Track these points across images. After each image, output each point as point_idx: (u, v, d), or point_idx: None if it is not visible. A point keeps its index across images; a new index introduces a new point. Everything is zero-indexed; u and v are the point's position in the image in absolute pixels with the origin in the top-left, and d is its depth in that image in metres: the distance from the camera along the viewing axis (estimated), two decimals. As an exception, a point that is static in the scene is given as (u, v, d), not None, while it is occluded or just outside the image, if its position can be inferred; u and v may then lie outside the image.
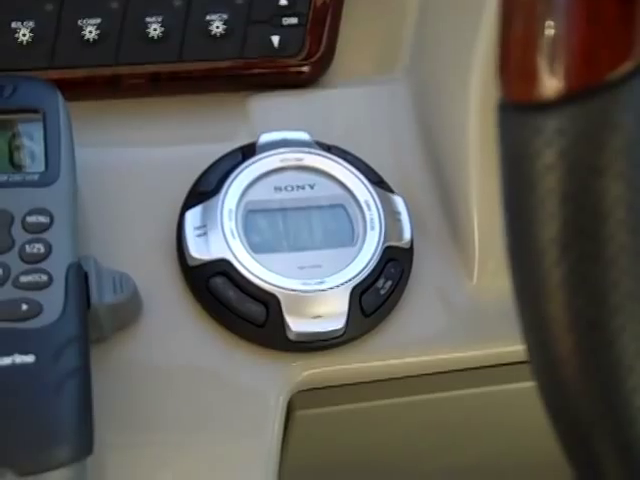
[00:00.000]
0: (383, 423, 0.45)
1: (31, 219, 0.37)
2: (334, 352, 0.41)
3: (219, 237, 0.41)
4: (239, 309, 0.40)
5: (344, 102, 0.48)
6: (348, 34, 0.50)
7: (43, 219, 0.38)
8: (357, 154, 0.45)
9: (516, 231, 0.26)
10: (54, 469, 0.33)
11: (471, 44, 0.43)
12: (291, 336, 0.40)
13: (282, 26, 0.49)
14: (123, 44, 0.47)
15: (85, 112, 0.44)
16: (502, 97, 0.25)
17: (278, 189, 0.43)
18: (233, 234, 0.41)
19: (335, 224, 0.43)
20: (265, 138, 0.45)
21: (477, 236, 0.43)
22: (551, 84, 0.24)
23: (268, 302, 0.40)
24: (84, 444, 0.34)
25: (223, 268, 0.40)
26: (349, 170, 0.44)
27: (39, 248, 0.37)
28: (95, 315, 0.38)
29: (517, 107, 0.24)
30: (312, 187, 0.43)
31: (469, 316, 0.43)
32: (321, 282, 0.40)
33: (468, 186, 0.44)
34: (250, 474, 0.39)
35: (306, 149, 0.44)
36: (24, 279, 0.36)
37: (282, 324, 0.40)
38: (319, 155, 0.44)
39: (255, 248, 0.41)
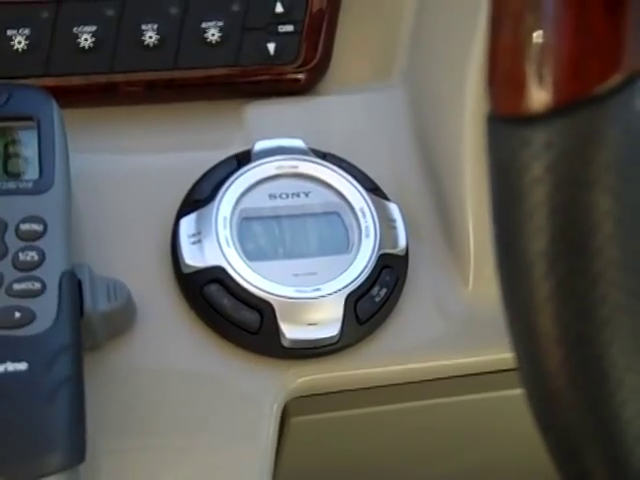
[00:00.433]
0: (378, 430, 0.45)
1: (25, 227, 0.37)
2: (329, 359, 0.41)
3: (214, 244, 0.41)
4: (233, 316, 0.40)
5: (340, 109, 0.48)
6: (344, 41, 0.50)
7: (37, 227, 0.38)
8: (352, 161, 0.45)
9: (505, 243, 0.26)
10: (46, 476, 0.33)
11: (466, 51, 0.44)
12: (285, 343, 0.40)
13: (278, 33, 0.49)
14: (119, 52, 0.47)
15: (80, 119, 0.44)
16: (491, 109, 0.25)
17: (273, 197, 0.43)
18: (228, 242, 0.41)
19: (330, 231, 0.43)
20: (260, 145, 0.45)
21: (472, 243, 0.43)
22: (539, 97, 0.23)
23: (262, 309, 0.40)
24: (76, 451, 0.34)
25: (217, 275, 0.40)
26: (344, 178, 0.44)
27: (33, 256, 0.37)
28: (89, 323, 0.38)
29: (505, 119, 0.24)
30: (307, 195, 0.43)
31: (464, 323, 0.43)
32: (316, 289, 0.40)
33: (464, 193, 0.44)
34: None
35: (301, 157, 0.44)
36: (17, 287, 0.36)
37: (276, 331, 0.40)
38: (314, 163, 0.44)
39: (250, 255, 0.41)
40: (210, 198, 0.42)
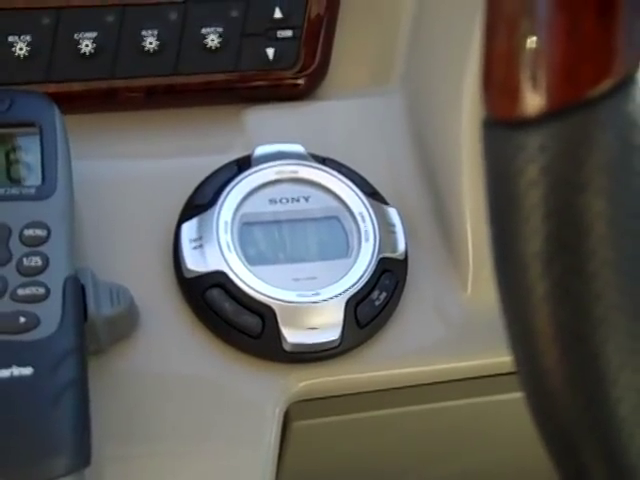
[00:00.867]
0: (379, 433, 0.45)
1: (28, 232, 0.38)
2: (330, 363, 0.41)
3: (215, 249, 0.41)
4: (235, 321, 0.41)
5: (338, 114, 0.49)
6: (342, 46, 0.51)
7: (40, 232, 0.38)
8: (352, 166, 0.46)
9: (501, 245, 0.26)
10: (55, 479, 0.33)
11: (464, 56, 0.44)
12: (287, 347, 0.40)
13: (277, 39, 0.49)
14: (119, 58, 0.48)
15: (81, 125, 0.44)
16: (486, 114, 0.25)
17: (273, 201, 0.43)
18: (229, 246, 0.41)
19: (330, 236, 0.43)
20: (260, 151, 0.45)
21: (471, 247, 0.44)
22: (533, 101, 0.24)
23: (264, 314, 0.40)
24: (82, 455, 0.34)
25: (219, 280, 0.41)
26: (343, 182, 0.44)
27: (36, 261, 0.37)
28: (92, 327, 0.38)
29: (500, 123, 0.25)
30: (307, 199, 0.44)
31: (464, 326, 0.43)
32: (316, 294, 0.41)
33: (461, 197, 0.44)
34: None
35: (301, 162, 0.45)
36: (22, 292, 0.36)
37: (278, 335, 0.40)
38: (314, 167, 0.44)
39: (251, 260, 0.41)
40: (211, 203, 0.43)
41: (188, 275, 0.41)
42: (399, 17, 0.51)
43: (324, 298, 0.41)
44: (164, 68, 0.48)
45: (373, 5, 0.51)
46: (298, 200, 0.44)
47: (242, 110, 0.49)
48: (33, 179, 0.40)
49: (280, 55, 0.49)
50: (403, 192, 0.46)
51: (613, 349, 0.25)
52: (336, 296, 0.41)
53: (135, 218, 0.44)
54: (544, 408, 0.27)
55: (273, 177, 0.44)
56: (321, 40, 0.50)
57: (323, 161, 0.45)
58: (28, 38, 0.47)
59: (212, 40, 0.48)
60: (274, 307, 0.40)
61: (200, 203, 0.43)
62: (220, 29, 0.49)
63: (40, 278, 0.37)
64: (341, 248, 0.43)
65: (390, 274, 0.42)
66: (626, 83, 0.24)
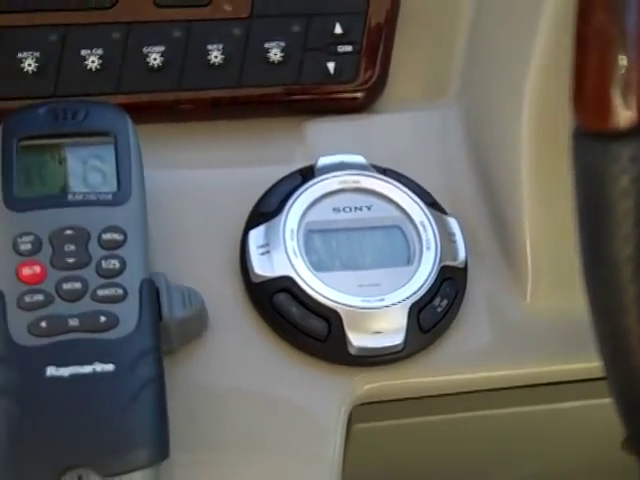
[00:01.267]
0: (437, 437, 0.46)
1: (106, 236, 0.39)
2: (393, 367, 0.42)
3: (282, 255, 0.42)
4: (302, 324, 0.42)
5: (397, 126, 0.50)
6: (399, 60, 0.52)
7: (117, 236, 0.39)
8: (411, 177, 0.47)
9: (592, 250, 0.27)
10: (133, 471, 0.35)
11: (524, 67, 0.45)
12: (352, 351, 0.41)
13: (337, 53, 0.51)
14: (185, 70, 0.49)
15: (149, 135, 0.46)
16: (577, 126, 0.27)
17: (337, 210, 0.45)
18: (295, 253, 0.43)
19: (392, 244, 0.44)
20: (323, 161, 0.46)
21: (530, 255, 0.45)
22: (625, 115, 0.25)
23: (330, 318, 0.41)
24: (161, 448, 0.35)
25: (286, 285, 0.42)
26: (404, 192, 0.45)
27: (114, 264, 0.39)
28: (165, 328, 0.39)
29: (593, 136, 0.26)
30: (369, 208, 0.45)
31: (523, 334, 0.44)
32: (381, 299, 0.42)
33: (521, 207, 0.45)
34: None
35: (363, 172, 0.46)
36: (101, 293, 0.38)
37: (343, 339, 0.41)
38: (375, 178, 0.46)
39: (316, 266, 0.43)
40: (277, 211, 0.44)
41: (255, 280, 0.43)
42: (455, 31, 0.52)
43: (388, 304, 0.42)
44: (228, 81, 0.50)
45: (430, 20, 0.53)
46: (361, 209, 0.45)
47: (303, 122, 0.50)
48: (108, 186, 0.41)
49: (340, 69, 0.51)
50: (462, 202, 0.47)
51: None
52: (400, 302, 0.42)
53: (202, 225, 0.46)
54: (632, 403, 0.28)
55: (336, 187, 0.45)
56: (380, 55, 0.51)
57: (384, 172, 0.46)
58: (100, 52, 0.48)
59: (275, 54, 0.50)
60: (340, 311, 0.41)
61: (266, 211, 0.45)
62: (282, 43, 0.50)
63: (118, 280, 0.38)
64: (403, 256, 0.44)
65: (451, 282, 0.43)
66: None
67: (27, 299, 0.37)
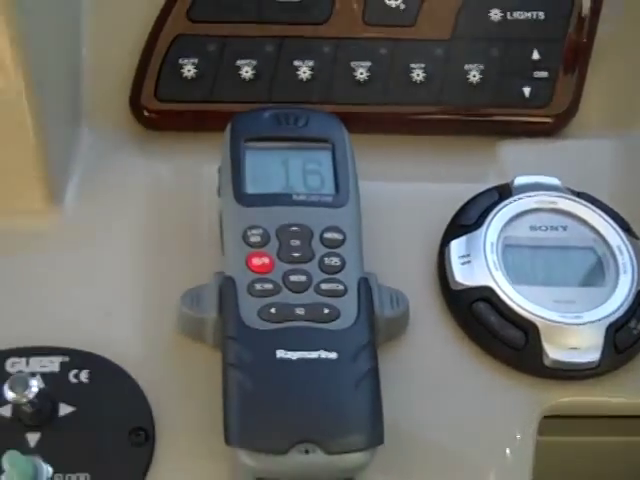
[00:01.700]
0: (620, 459, 0.47)
1: (328, 235, 0.42)
2: (586, 383, 0.43)
3: (482, 266, 0.45)
4: (500, 333, 0.44)
5: (591, 152, 0.52)
6: (592, 87, 0.54)
7: (337, 236, 0.42)
8: (604, 201, 0.48)
9: None
10: (353, 452, 0.37)
11: None
12: (547, 363, 0.43)
13: (533, 78, 0.53)
14: (389, 86, 0.52)
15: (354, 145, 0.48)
16: None
17: (534, 228, 0.47)
18: (495, 265, 0.45)
19: (587, 265, 0.46)
20: (520, 180, 0.48)
21: None
22: None
23: (527, 329, 0.43)
24: (378, 434, 0.38)
25: (486, 294, 0.44)
26: (600, 216, 0.47)
27: (335, 261, 0.41)
28: (376, 325, 0.42)
29: None
30: (565, 229, 0.47)
31: None
32: (578, 317, 0.43)
33: None
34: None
35: (560, 194, 0.48)
36: (324, 287, 0.41)
37: (540, 351, 0.43)
38: (572, 200, 0.47)
39: (514, 279, 0.45)
40: (478, 224, 0.46)
41: (455, 287, 0.45)
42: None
43: (585, 321, 0.43)
44: (428, 98, 0.52)
45: (623, 51, 0.54)
46: (557, 229, 0.47)
47: (496, 142, 0.52)
48: (327, 189, 0.44)
49: (535, 94, 0.53)
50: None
51: None
52: (597, 320, 0.43)
53: (400, 233, 0.48)
54: None
55: (534, 206, 0.47)
56: (574, 82, 0.53)
57: (578, 195, 0.48)
58: (311, 63, 0.52)
59: (473, 76, 0.52)
60: (537, 324, 0.43)
61: (465, 223, 0.47)
62: (481, 66, 0.52)
63: (338, 276, 0.41)
64: (597, 277, 0.45)
65: (646, 305, 0.45)
66: None
67: (257, 286, 0.40)
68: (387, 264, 0.46)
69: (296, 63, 0.52)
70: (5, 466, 0.37)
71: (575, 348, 0.43)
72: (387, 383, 0.42)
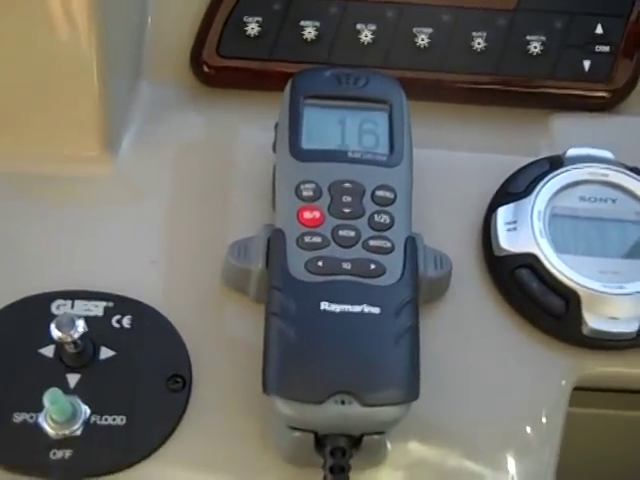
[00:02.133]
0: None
1: (379, 193, 0.43)
2: (623, 354, 0.44)
3: (528, 233, 0.45)
4: (540, 300, 0.44)
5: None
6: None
7: (389, 194, 0.43)
8: (655, 178, 0.49)
9: None
10: (389, 405, 0.38)
11: None
12: (585, 331, 0.44)
13: (594, 52, 0.53)
14: (449, 53, 0.53)
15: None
16: None
17: (583, 199, 0.47)
18: (541, 233, 0.45)
19: (633, 238, 0.46)
20: (572, 152, 0.49)
21: None
22: None
23: (569, 297, 0.44)
24: (414, 389, 0.39)
25: (529, 261, 0.45)
26: (650, 190, 0.47)
27: (385, 219, 0.42)
28: (419, 284, 0.43)
29: None
30: (614, 201, 0.47)
31: None
32: (620, 287, 0.44)
33: None
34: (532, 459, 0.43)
35: (611, 166, 0.48)
36: (372, 243, 0.42)
37: (579, 319, 0.44)
38: (624, 174, 0.48)
39: (559, 248, 0.45)
40: (526, 193, 0.47)
41: (499, 253, 0.46)
42: None
43: (628, 292, 0.44)
44: (487, 67, 0.53)
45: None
46: (606, 201, 0.47)
47: (550, 115, 0.53)
48: (381, 148, 0.45)
49: (595, 68, 0.53)
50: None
51: None
52: (639, 292, 0.44)
53: (447, 200, 0.49)
54: None
55: (585, 177, 0.48)
56: (635, 58, 0.53)
57: (630, 169, 0.48)
58: (373, 27, 0.53)
59: (534, 47, 0.53)
60: (579, 292, 0.44)
61: (514, 191, 0.48)
62: (543, 38, 0.53)
63: (387, 234, 0.42)
64: (643, 250, 0.46)
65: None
66: None
67: (307, 239, 0.42)
68: (434, 227, 0.47)
69: (359, 26, 0.53)
70: (46, 403, 0.39)
71: (614, 318, 0.44)
72: (424, 343, 0.44)
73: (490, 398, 0.44)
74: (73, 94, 0.48)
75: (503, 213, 0.47)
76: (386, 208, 0.43)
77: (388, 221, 0.42)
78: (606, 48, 0.53)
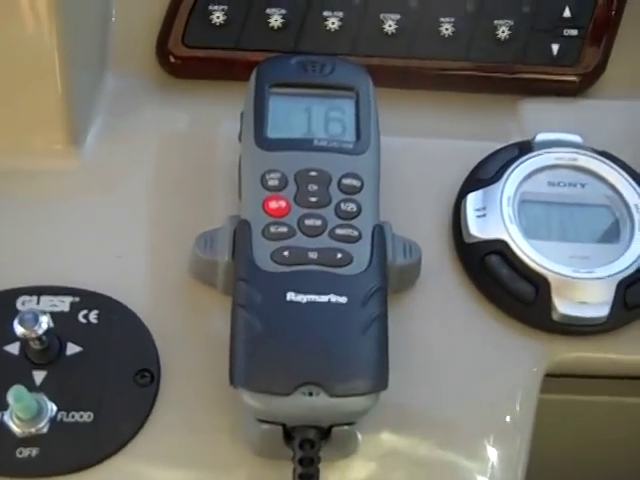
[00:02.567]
0: (621, 420, 0.48)
1: (346, 181, 0.43)
2: (593, 339, 0.44)
3: (498, 219, 0.45)
4: (510, 286, 0.44)
5: (614, 113, 0.52)
6: (620, 49, 0.53)
7: (355, 182, 0.43)
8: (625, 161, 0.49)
9: None
10: (357, 396, 0.38)
11: None
12: (556, 317, 0.44)
13: (562, 36, 0.53)
14: (416, 39, 0.52)
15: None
16: None
17: (552, 184, 0.47)
18: (510, 218, 0.45)
19: (603, 222, 0.46)
20: (541, 137, 0.48)
21: None
22: None
23: (539, 283, 0.44)
24: (382, 379, 0.39)
25: (499, 248, 0.45)
26: (620, 174, 0.47)
27: (352, 207, 0.42)
28: (388, 273, 0.42)
29: None
30: (583, 186, 0.47)
31: None
32: (590, 272, 0.44)
33: None
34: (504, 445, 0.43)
35: (580, 150, 0.48)
36: (339, 232, 0.41)
37: (549, 305, 0.44)
38: (592, 158, 0.48)
39: (528, 234, 0.45)
40: (495, 178, 0.47)
41: (469, 240, 0.45)
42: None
43: (598, 276, 0.44)
44: (456, 53, 0.52)
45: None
46: (575, 185, 0.47)
47: (519, 100, 0.52)
48: (348, 136, 0.45)
49: (563, 52, 0.52)
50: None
51: None
52: (609, 276, 0.44)
53: (417, 186, 0.49)
54: None
55: (553, 162, 0.47)
56: (603, 42, 0.53)
57: (600, 153, 0.48)
58: (340, 14, 0.52)
59: (502, 32, 0.52)
60: (549, 278, 0.44)
61: (484, 177, 0.47)
62: (511, 22, 0.52)
63: (354, 222, 0.42)
64: (612, 234, 0.46)
65: (659, 264, 0.45)
66: None
67: (272, 229, 0.41)
68: (403, 215, 0.47)
69: (325, 13, 0.52)
70: (10, 401, 0.38)
71: (584, 302, 0.44)
72: (395, 332, 0.43)
73: (461, 386, 0.44)
74: (36, 87, 0.47)
75: (473, 199, 0.46)
76: (353, 196, 0.42)
77: (355, 209, 0.42)
78: (574, 32, 0.53)
